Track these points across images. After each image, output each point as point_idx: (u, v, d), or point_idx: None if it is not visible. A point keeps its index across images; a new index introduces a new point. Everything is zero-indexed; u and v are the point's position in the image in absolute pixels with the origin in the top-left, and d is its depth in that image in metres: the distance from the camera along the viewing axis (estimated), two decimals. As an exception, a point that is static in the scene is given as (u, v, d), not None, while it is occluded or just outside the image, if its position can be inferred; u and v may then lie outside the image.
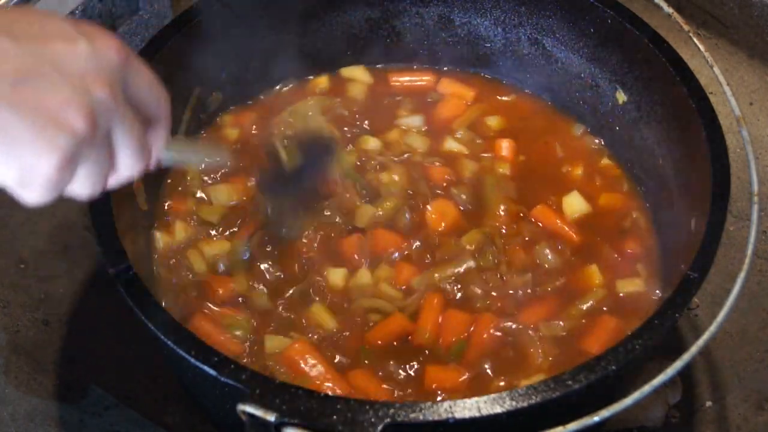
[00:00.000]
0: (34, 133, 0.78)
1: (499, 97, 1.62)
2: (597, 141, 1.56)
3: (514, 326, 1.30)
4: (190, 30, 1.40)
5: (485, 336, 1.29)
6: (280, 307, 1.32)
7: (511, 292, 1.33)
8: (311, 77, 1.62)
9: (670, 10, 1.36)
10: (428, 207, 1.42)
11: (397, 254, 1.37)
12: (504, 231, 1.40)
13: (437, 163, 1.49)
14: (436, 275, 1.35)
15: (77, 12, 1.51)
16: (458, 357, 1.27)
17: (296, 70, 1.60)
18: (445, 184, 1.46)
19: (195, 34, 1.41)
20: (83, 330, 1.44)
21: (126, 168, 0.89)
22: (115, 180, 0.91)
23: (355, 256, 1.36)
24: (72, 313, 1.46)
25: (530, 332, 1.29)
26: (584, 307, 1.33)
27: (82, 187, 0.86)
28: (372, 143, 1.51)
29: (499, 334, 1.29)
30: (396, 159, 1.49)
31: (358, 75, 1.63)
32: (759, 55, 1.72)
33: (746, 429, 1.34)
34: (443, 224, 1.41)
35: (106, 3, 1.54)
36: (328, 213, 1.40)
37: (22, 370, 1.38)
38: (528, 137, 1.55)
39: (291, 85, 1.62)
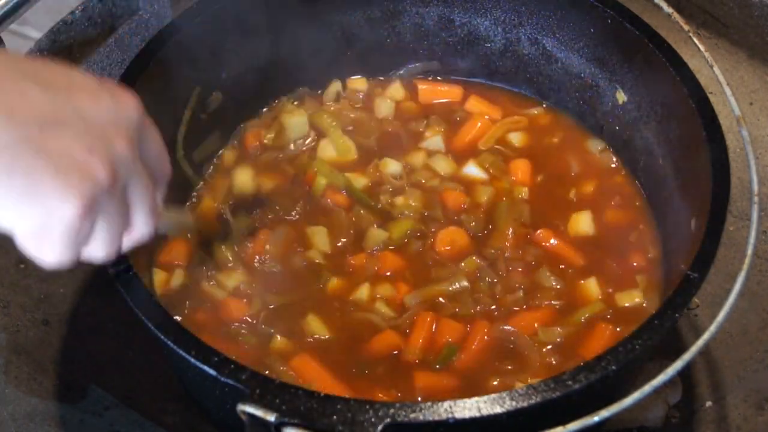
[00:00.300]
0: (59, 178, 0.77)
1: (523, 111, 1.61)
2: (615, 159, 1.54)
3: (509, 329, 1.30)
4: (190, 30, 1.40)
5: (475, 345, 1.29)
6: (282, 317, 1.32)
7: (496, 307, 1.34)
8: (338, 80, 1.63)
9: (670, 10, 1.36)
10: (438, 235, 1.41)
11: (398, 275, 1.37)
12: (508, 255, 1.39)
13: (456, 189, 1.48)
14: (429, 291, 1.35)
15: (77, 12, 1.51)
16: (446, 363, 1.28)
17: (297, 69, 1.60)
18: (459, 210, 1.45)
19: (195, 34, 1.41)
20: (83, 330, 1.44)
21: (140, 227, 0.90)
22: (128, 241, 0.91)
23: (359, 273, 1.37)
24: (72, 313, 1.46)
25: (527, 338, 1.29)
26: (582, 318, 1.33)
27: (98, 245, 0.85)
28: (392, 167, 1.50)
29: (490, 339, 1.30)
30: (412, 184, 1.48)
31: (393, 92, 1.63)
32: (759, 55, 1.72)
33: (746, 429, 1.34)
34: (450, 250, 1.40)
35: (106, 3, 1.54)
36: (343, 240, 1.42)
37: (22, 370, 1.37)
38: (546, 155, 1.54)
39: (300, 90, 1.62)
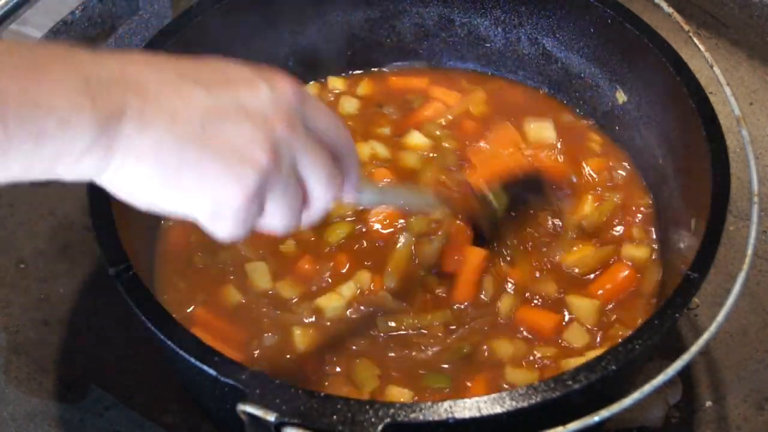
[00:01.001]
0: (223, 168, 0.85)
1: (493, 84, 1.62)
2: (590, 122, 1.56)
3: None
4: (190, 30, 1.40)
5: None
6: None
7: None
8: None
9: (670, 10, 1.36)
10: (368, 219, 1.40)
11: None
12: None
13: (382, 166, 1.47)
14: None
15: (77, 12, 1.51)
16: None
17: (297, 70, 1.60)
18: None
19: (195, 34, 1.41)
20: (83, 330, 1.44)
21: (318, 197, 0.94)
22: (311, 214, 0.96)
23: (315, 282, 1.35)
24: (72, 313, 1.46)
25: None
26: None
27: (275, 219, 0.92)
28: None
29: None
30: None
31: (360, 88, 1.62)
32: (759, 55, 1.72)
33: (746, 429, 1.34)
34: (386, 222, 1.39)
35: (106, 3, 1.54)
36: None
37: (22, 370, 1.38)
38: (508, 118, 1.55)
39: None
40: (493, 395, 1.00)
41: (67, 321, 1.45)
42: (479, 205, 1.35)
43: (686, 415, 1.36)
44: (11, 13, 1.39)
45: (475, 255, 1.34)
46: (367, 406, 0.97)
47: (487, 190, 1.35)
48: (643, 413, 1.32)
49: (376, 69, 1.65)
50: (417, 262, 1.35)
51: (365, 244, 1.38)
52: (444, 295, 1.32)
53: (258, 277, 1.35)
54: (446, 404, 0.99)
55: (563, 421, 0.97)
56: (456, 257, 1.34)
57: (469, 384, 1.24)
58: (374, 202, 1.23)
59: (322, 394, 0.99)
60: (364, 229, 1.39)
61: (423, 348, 1.27)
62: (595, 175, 1.47)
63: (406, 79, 1.64)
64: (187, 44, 1.40)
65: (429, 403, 0.99)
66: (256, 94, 0.89)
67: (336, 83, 1.63)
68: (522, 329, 1.30)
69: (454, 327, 1.29)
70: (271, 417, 0.95)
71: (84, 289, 1.48)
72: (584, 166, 1.48)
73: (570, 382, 1.01)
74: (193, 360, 1.03)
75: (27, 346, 1.41)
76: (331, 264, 1.36)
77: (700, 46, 1.31)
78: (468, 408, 0.99)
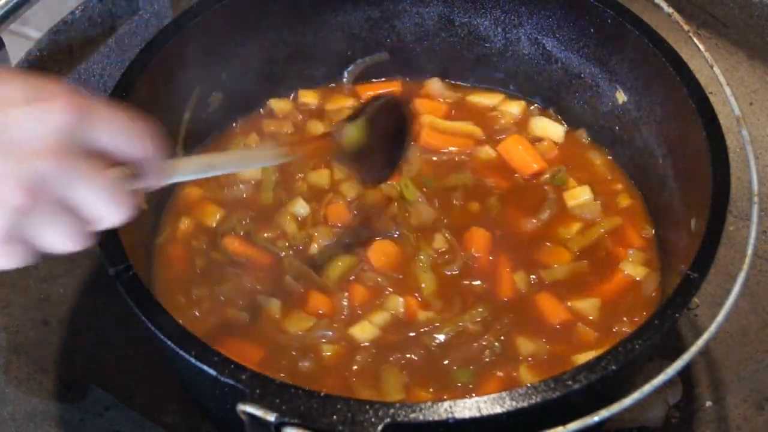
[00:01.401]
0: None
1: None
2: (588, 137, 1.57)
3: None
4: (190, 30, 1.40)
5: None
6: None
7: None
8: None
9: (670, 10, 1.36)
10: (368, 251, 1.38)
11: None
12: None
13: (339, 201, 1.45)
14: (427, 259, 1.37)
15: (77, 12, 1.51)
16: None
17: (297, 70, 1.60)
18: (340, 224, 1.42)
19: (195, 34, 1.41)
20: (83, 330, 1.44)
21: (103, 215, 0.86)
22: (101, 227, 0.88)
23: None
24: (72, 313, 1.46)
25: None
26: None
27: (54, 246, 0.85)
28: (300, 208, 1.44)
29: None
30: (317, 222, 1.42)
31: (332, 103, 1.60)
32: (759, 55, 1.72)
33: (746, 429, 1.34)
34: (386, 259, 1.38)
35: (106, 3, 1.54)
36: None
37: (22, 370, 1.38)
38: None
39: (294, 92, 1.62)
40: (493, 395, 1.00)
41: (67, 321, 1.45)
42: (334, 138, 1.27)
43: (686, 415, 1.36)
44: (11, 13, 1.39)
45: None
46: (367, 406, 0.97)
47: (340, 125, 1.29)
48: (643, 413, 1.33)
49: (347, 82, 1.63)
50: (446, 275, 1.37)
51: (371, 275, 1.36)
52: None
53: (271, 310, 1.33)
54: (446, 404, 0.99)
55: (563, 421, 0.97)
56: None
57: (496, 373, 1.26)
58: (198, 175, 1.12)
59: (322, 393, 0.99)
60: (365, 267, 1.37)
61: (457, 347, 1.28)
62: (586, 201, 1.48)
63: (376, 89, 1.62)
64: (187, 44, 1.40)
65: (429, 403, 0.99)
66: (14, 121, 0.79)
67: (307, 97, 1.60)
68: (543, 318, 1.32)
69: (490, 319, 1.30)
70: (271, 417, 0.95)
71: (84, 289, 1.48)
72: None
73: (570, 382, 1.01)
74: (193, 360, 1.04)
75: (27, 346, 1.41)
76: (346, 294, 1.34)
77: (700, 46, 1.31)
78: (468, 408, 0.99)
